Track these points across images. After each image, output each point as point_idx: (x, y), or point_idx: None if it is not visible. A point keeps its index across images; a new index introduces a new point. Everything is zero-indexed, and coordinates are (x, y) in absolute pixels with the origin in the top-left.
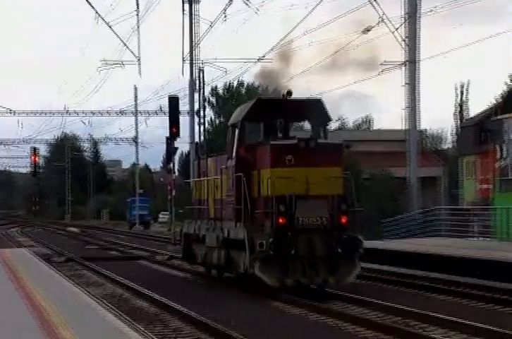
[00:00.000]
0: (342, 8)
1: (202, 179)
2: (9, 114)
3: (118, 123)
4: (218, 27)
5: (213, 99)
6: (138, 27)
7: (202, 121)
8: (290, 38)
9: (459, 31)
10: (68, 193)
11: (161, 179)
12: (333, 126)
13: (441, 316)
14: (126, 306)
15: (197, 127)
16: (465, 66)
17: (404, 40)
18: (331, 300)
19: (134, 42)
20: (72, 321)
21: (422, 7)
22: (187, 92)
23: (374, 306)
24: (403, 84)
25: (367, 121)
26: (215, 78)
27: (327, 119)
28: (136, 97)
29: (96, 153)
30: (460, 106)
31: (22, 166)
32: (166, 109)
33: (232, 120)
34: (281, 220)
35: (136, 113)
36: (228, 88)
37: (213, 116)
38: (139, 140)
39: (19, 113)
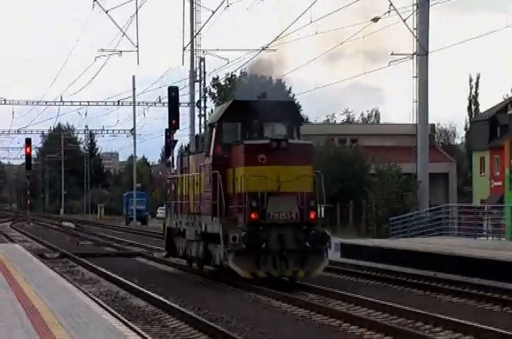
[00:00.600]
0: None
1: (183, 175)
2: (2, 104)
3: (115, 114)
4: (220, 15)
5: (214, 90)
6: (137, 13)
7: (202, 112)
8: (295, 27)
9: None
10: (62, 187)
11: (160, 173)
12: (339, 119)
13: (447, 317)
14: (122, 304)
15: (197, 119)
16: (477, 57)
17: (413, 31)
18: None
19: (132, 30)
20: (67, 320)
21: None
22: (187, 82)
23: (380, 306)
24: (413, 76)
25: (375, 114)
26: (217, 69)
27: (300, 119)
28: (134, 87)
29: (92, 145)
30: (470, 100)
31: (15, 158)
32: (166, 99)
33: (210, 120)
34: (253, 215)
35: (134, 103)
36: (230, 79)
37: (214, 108)
38: (137, 132)
39: (12, 102)
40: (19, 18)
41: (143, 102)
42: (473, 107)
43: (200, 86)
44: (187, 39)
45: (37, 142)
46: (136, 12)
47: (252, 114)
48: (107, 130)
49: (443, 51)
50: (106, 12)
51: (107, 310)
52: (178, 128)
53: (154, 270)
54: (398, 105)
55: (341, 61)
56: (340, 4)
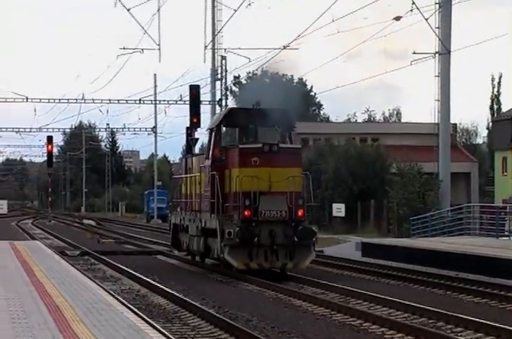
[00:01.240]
0: None
1: (187, 175)
2: (25, 102)
3: (136, 112)
4: (241, 13)
5: (235, 89)
6: (158, 11)
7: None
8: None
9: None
10: (83, 185)
11: (181, 171)
12: (360, 118)
13: (469, 317)
14: (143, 302)
15: None
16: (499, 56)
17: (436, 29)
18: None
19: (154, 28)
20: (88, 318)
21: None
22: (208, 80)
23: (401, 306)
24: (435, 75)
25: (396, 113)
26: (238, 67)
27: (292, 126)
28: (155, 85)
29: (113, 143)
30: (492, 99)
31: (36, 155)
32: (187, 98)
33: (210, 125)
34: (246, 213)
35: (155, 102)
36: (251, 77)
37: (235, 106)
38: (159, 130)
39: (34, 100)
40: (41, 17)
41: (164, 100)
42: (495, 106)
43: (221, 84)
44: (209, 38)
45: (58, 140)
46: (158, 10)
47: (247, 120)
48: (128, 128)
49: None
50: (128, 10)
51: (128, 308)
52: (199, 126)
53: (174, 268)
54: (420, 104)
55: (363, 60)
56: (362, 3)
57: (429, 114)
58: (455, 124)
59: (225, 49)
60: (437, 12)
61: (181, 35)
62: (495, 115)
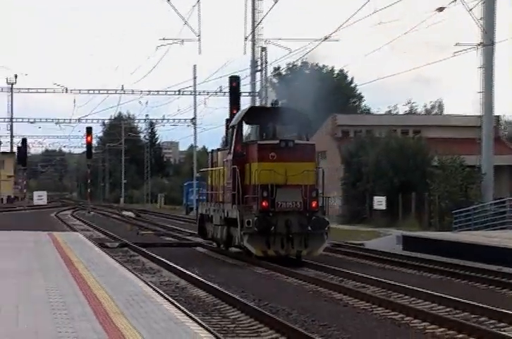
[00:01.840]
0: None
1: (213, 168)
2: (64, 92)
3: (175, 103)
4: (282, 4)
5: (275, 80)
6: (199, 2)
7: (263, 102)
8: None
9: None
10: (122, 176)
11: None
12: (401, 110)
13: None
14: (183, 294)
15: None
16: None
17: (479, 21)
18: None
19: (194, 19)
20: (128, 310)
21: None
22: (248, 72)
23: (443, 300)
24: (479, 66)
25: (438, 105)
26: (278, 58)
27: (307, 123)
28: (195, 76)
29: (152, 134)
30: None
31: (76, 146)
32: (227, 89)
33: (232, 122)
34: (264, 204)
35: (195, 93)
36: (292, 69)
37: (275, 98)
38: (198, 122)
39: (74, 91)
40: (81, 8)
41: (204, 92)
42: None
43: (261, 76)
44: (249, 29)
45: (97, 131)
46: (198, 1)
47: (266, 118)
48: (167, 119)
49: (510, 40)
50: (168, 0)
51: (168, 300)
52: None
53: (214, 261)
54: (462, 96)
55: (404, 51)
56: None
57: (472, 106)
58: (499, 116)
59: (265, 40)
60: (481, 2)
61: (221, 26)
62: None
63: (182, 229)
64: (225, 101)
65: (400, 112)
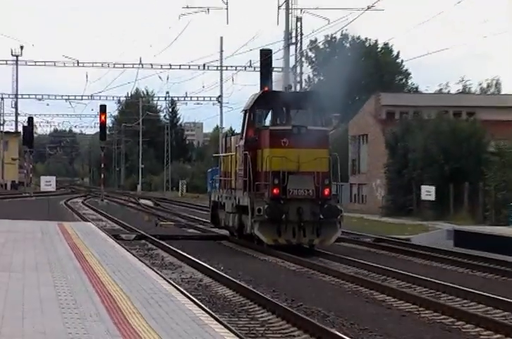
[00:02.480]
0: None
1: (226, 154)
2: (75, 66)
3: (200, 79)
4: None
5: (312, 54)
6: None
7: (298, 79)
8: None
9: None
10: (140, 160)
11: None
12: (454, 89)
13: None
14: (206, 293)
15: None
16: None
17: None
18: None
19: None
20: (146, 309)
21: None
22: (281, 45)
23: (499, 303)
24: None
25: (495, 84)
26: (315, 30)
27: (322, 108)
28: (222, 49)
29: (173, 114)
30: None
31: (88, 126)
32: (257, 64)
33: (244, 107)
34: (275, 191)
35: (221, 68)
36: (330, 41)
37: (311, 74)
38: (225, 100)
39: (86, 65)
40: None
41: (232, 66)
42: None
43: (296, 49)
44: None
45: (112, 109)
46: None
47: (280, 102)
48: (191, 97)
49: None
50: None
51: (190, 299)
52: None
53: (242, 256)
54: None
55: (457, 24)
56: None
57: None
58: None
59: (301, 10)
60: None
61: None
62: None
63: (205, 220)
64: (255, 77)
65: (452, 91)
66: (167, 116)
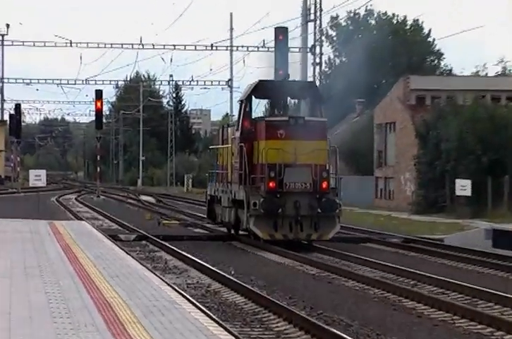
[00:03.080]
0: None
1: (222, 146)
2: (68, 47)
3: (207, 61)
4: None
5: (333, 33)
6: None
7: (317, 60)
8: None
9: None
10: (140, 152)
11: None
12: (492, 71)
13: None
14: (215, 300)
15: (311, 68)
16: None
17: None
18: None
19: None
20: (147, 319)
21: None
22: (298, 22)
23: None
24: None
25: None
26: (336, 5)
27: (320, 98)
28: (232, 27)
29: (178, 100)
30: None
31: (82, 114)
32: (271, 43)
33: (240, 97)
34: (271, 184)
35: (231, 48)
36: (353, 18)
37: (332, 55)
38: (235, 84)
39: (80, 45)
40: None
41: (243, 47)
42: None
43: (315, 27)
44: None
45: (109, 95)
46: None
47: (277, 92)
48: (197, 81)
49: None
50: None
51: (197, 307)
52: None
53: (254, 258)
54: None
55: None
56: None
57: None
58: None
59: None
60: None
61: None
62: None
63: None
64: (269, 58)
65: (491, 74)
66: (171, 103)
